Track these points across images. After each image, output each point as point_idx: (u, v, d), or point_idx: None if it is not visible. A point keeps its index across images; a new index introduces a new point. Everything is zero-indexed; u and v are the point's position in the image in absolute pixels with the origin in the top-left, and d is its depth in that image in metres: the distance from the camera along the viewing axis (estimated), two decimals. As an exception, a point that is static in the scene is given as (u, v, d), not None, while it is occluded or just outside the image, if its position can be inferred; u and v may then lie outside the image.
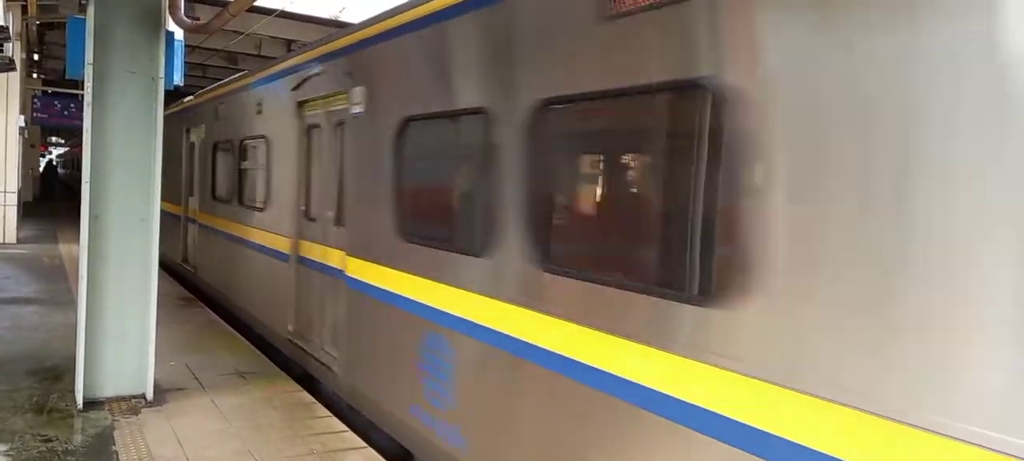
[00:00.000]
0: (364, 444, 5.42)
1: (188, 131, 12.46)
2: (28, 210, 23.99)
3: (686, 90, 3.10)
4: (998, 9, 2.14)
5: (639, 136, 3.71)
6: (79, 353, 5.83)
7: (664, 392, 3.07)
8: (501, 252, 4.13)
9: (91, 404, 5.85)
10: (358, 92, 5.87)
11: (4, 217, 16.89)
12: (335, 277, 6.34)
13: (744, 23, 2.84)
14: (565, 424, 3.69)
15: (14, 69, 14.78)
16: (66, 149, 59.59)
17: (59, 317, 8.97)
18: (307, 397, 6.43)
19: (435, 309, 4.76)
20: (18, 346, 7.63)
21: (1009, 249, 2.11)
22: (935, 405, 2.20)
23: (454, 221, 5.05)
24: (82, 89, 5.85)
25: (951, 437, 2.14)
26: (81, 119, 5.89)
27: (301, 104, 7.22)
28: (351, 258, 5.98)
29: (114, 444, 5.15)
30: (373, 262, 5.62)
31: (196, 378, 6.82)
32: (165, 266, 13.29)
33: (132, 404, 5.95)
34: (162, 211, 13.69)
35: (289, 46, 18.96)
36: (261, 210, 8.50)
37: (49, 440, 5.17)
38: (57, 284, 11.57)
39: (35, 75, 24.38)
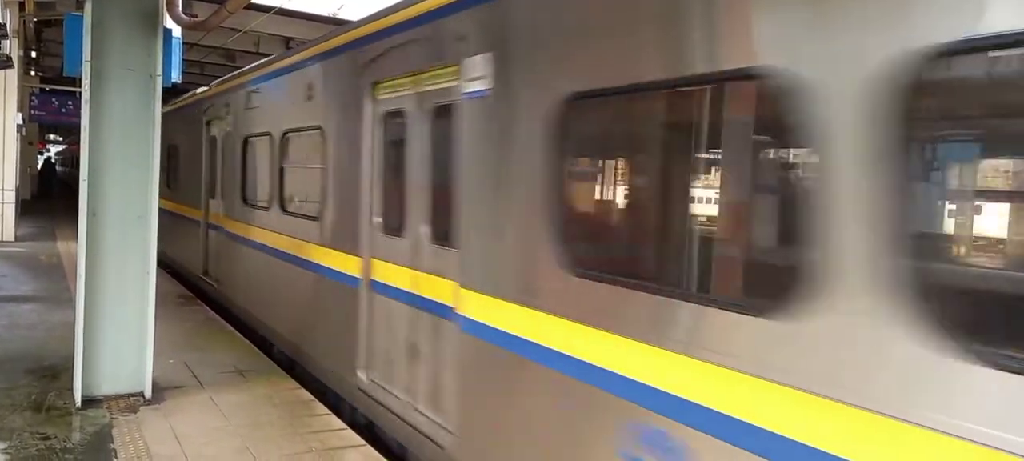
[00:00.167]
0: (363, 442, 5.41)
1: (209, 124, 10.90)
2: (26, 208, 23.96)
3: None
4: None
5: None
6: (77, 351, 5.82)
7: None
8: (824, 308, 2.47)
9: (89, 402, 5.84)
10: (479, 63, 4.33)
11: (2, 215, 16.86)
12: (437, 314, 4.88)
13: None
14: None
15: (12, 66, 14.74)
16: (64, 146, 59.53)
17: (57, 315, 8.96)
18: (306, 395, 6.43)
19: (656, 391, 3.08)
20: (16, 344, 7.62)
21: None
22: None
23: (695, 254, 3.34)
24: (80, 86, 5.84)
25: None
26: (79, 117, 5.88)
27: (375, 85, 5.72)
28: (469, 293, 4.43)
29: (112, 442, 5.15)
30: (516, 303, 4.01)
31: (195, 376, 6.82)
32: (180, 277, 12.46)
33: (130, 402, 5.94)
34: (177, 216, 12.47)
35: (287, 43, 18.94)
36: (314, 219, 6.84)
37: (47, 438, 5.16)
38: (55, 282, 11.56)
39: (33, 72, 24.33)
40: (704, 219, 3.41)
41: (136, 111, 5.96)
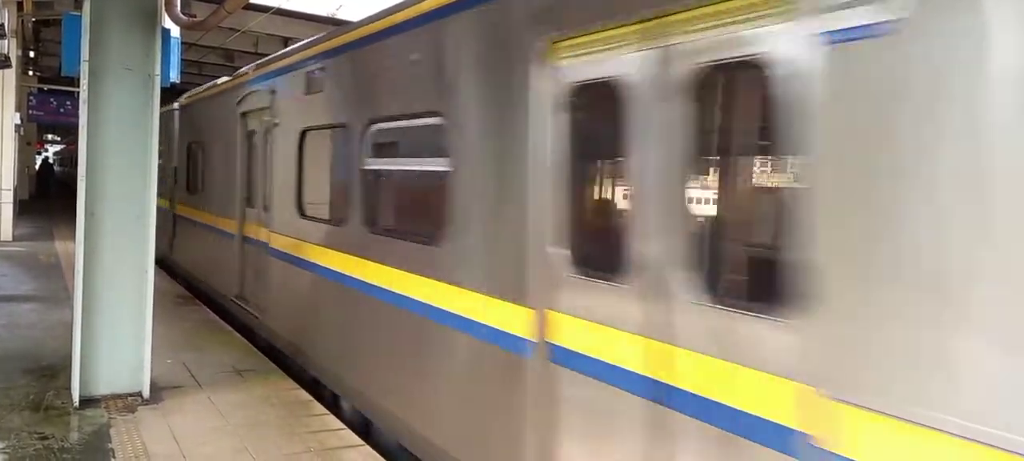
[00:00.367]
0: (362, 442, 5.41)
1: (246, 117, 8.95)
2: (24, 208, 23.94)
3: None
4: None
5: None
6: (75, 351, 5.82)
7: None
8: None
9: (87, 402, 5.84)
10: None
11: (0, 215, 16.84)
12: (731, 431, 2.82)
13: None
14: None
15: (10, 66, 14.73)
16: (62, 146, 59.47)
17: (55, 315, 8.95)
18: (305, 395, 6.43)
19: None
20: (14, 344, 7.62)
21: None
22: None
23: None
24: (78, 86, 5.84)
25: None
26: (77, 116, 5.87)
27: (554, 44, 3.74)
28: (857, 417, 2.38)
29: (110, 442, 5.14)
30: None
31: (193, 376, 6.81)
32: (205, 297, 10.72)
33: (129, 402, 5.94)
34: (203, 226, 10.86)
35: (285, 43, 18.95)
36: (428, 244, 4.84)
37: (45, 438, 5.16)
38: (53, 282, 11.55)
39: (31, 72, 24.30)
40: None
41: (134, 111, 5.95)
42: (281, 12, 16.63)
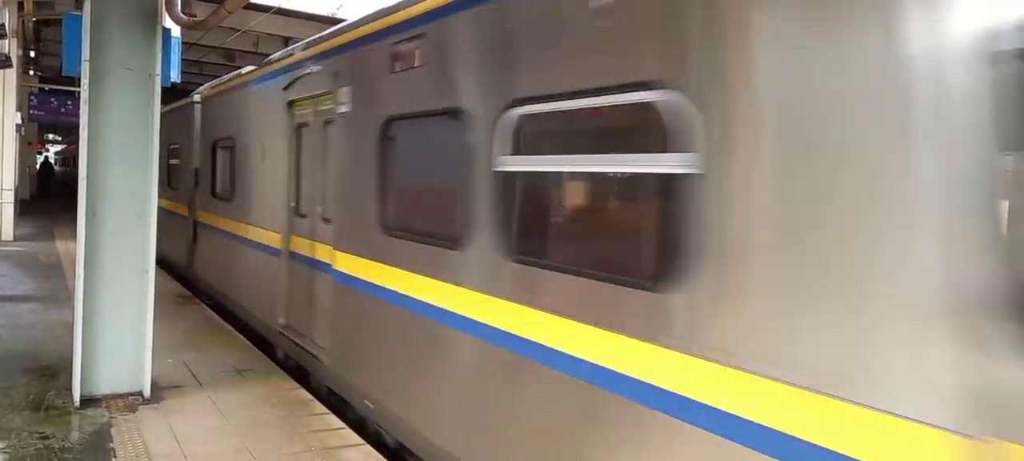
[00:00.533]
0: (362, 441, 5.41)
1: (293, 107, 7.31)
2: (25, 207, 23.96)
3: None
4: None
5: None
6: (76, 350, 5.82)
7: None
8: None
9: (88, 401, 5.84)
10: None
11: (1, 215, 16.85)
12: None
13: None
14: None
15: (10, 66, 14.73)
16: (63, 146, 59.52)
17: (56, 314, 8.96)
18: (305, 394, 6.43)
19: None
20: (15, 344, 7.62)
21: None
22: None
23: None
24: (79, 86, 5.84)
25: None
26: (78, 116, 5.88)
27: None
28: None
29: (111, 441, 5.14)
30: None
31: (194, 376, 6.82)
32: (242, 325, 8.92)
33: (129, 401, 5.94)
34: (234, 238, 9.25)
35: (286, 43, 18.96)
36: (645, 285, 3.22)
37: (46, 437, 5.16)
38: (54, 281, 11.55)
39: (32, 72, 24.33)
40: None
41: (135, 111, 5.95)
42: (282, 12, 16.65)
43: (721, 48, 2.91)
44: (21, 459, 4.81)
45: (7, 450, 4.91)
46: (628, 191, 3.75)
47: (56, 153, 62.83)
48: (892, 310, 2.32)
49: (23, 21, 16.51)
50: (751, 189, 2.78)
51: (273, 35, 19.36)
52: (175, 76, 7.79)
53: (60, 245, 16.29)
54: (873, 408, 2.32)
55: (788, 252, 2.63)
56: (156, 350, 6.18)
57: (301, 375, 7.08)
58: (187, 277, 12.21)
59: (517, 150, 4.04)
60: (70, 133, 44.48)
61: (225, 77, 11.10)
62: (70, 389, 5.92)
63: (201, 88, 12.39)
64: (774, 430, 2.61)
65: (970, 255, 2.20)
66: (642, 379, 3.14)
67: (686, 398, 2.94)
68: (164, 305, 9.11)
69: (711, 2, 2.97)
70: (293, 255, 7.34)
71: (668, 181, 3.11)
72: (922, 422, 2.20)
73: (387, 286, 5.34)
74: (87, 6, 5.72)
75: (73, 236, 6.30)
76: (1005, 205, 2.24)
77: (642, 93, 3.23)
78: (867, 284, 2.39)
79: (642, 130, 3.47)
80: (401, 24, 5.26)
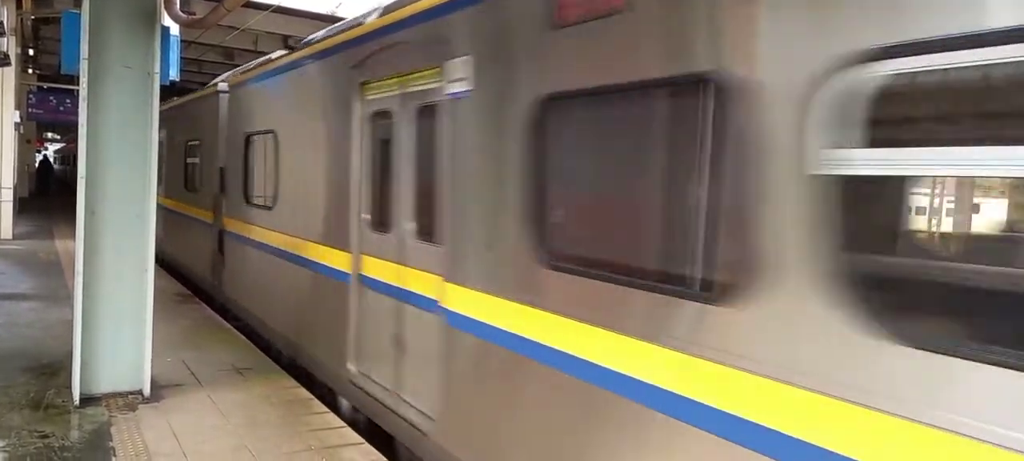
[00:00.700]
0: (362, 440, 5.41)
1: (367, 89, 5.76)
2: (24, 206, 23.94)
3: None
4: None
5: None
6: (76, 349, 5.81)
7: None
8: None
9: (88, 400, 5.83)
10: None
11: (0, 213, 16.84)
12: None
13: None
14: None
15: (9, 64, 14.72)
16: (62, 145, 59.48)
17: (55, 313, 8.95)
18: (305, 393, 6.43)
19: None
20: (14, 342, 7.61)
21: None
22: None
23: None
24: (78, 84, 5.83)
25: None
26: (77, 115, 5.87)
27: None
28: None
29: (111, 440, 5.14)
30: None
31: (193, 374, 6.81)
32: (286, 363, 7.39)
33: (129, 400, 5.93)
34: (271, 250, 7.54)
35: (285, 41, 18.94)
36: None
37: (46, 436, 5.16)
38: (53, 280, 11.54)
39: (30, 70, 24.33)
40: None
41: (134, 109, 5.94)
42: (280, 10, 16.64)
43: None
44: (21, 458, 4.81)
45: (7, 449, 4.91)
46: None
47: (55, 151, 62.79)
48: None
49: (22, 19, 16.49)
50: None
51: (272, 33, 19.33)
52: (174, 74, 7.76)
53: (59, 244, 16.28)
54: None
55: None
56: (156, 349, 6.18)
57: (298, 373, 7.08)
58: (210, 293, 10.62)
59: (877, 139, 2.41)
60: (69, 131, 44.44)
61: (261, 60, 9.36)
62: (70, 388, 5.91)
63: (227, 74, 10.92)
64: None
65: None
66: None
67: None
68: (164, 304, 9.10)
69: None
70: (368, 281, 5.69)
71: None
72: None
73: (566, 351, 3.55)
74: (86, 4, 5.70)
75: (72, 235, 6.29)
76: None
77: None
78: None
79: None
80: None
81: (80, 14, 5.82)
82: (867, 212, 2.58)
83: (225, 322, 9.16)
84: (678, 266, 3.08)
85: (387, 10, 5.63)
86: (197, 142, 11.64)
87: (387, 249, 5.46)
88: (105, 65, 5.82)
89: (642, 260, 3.31)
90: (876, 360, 2.29)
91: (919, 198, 2.58)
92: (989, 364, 2.08)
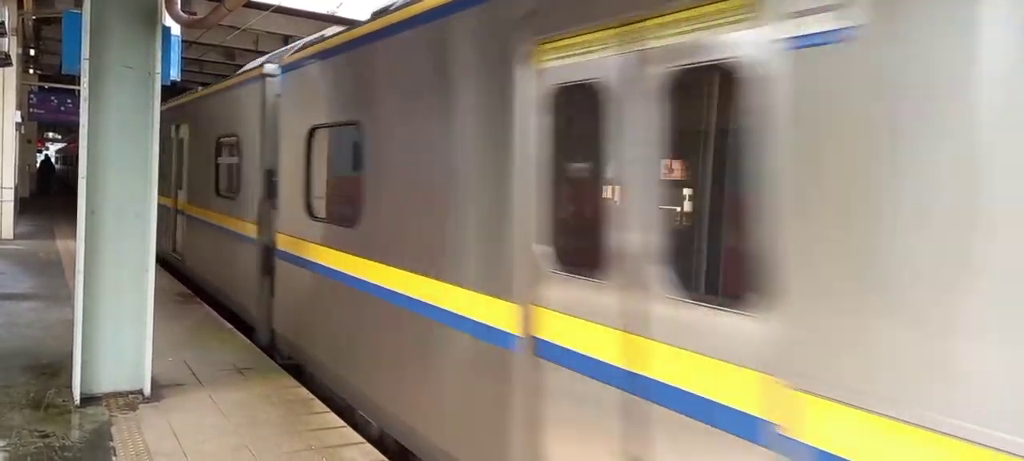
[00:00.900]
0: (362, 439, 5.41)
1: (543, 51, 3.79)
2: (25, 206, 23.96)
3: None
4: None
5: None
6: (76, 349, 5.82)
7: None
8: None
9: (88, 400, 5.83)
10: None
11: (0, 213, 16.85)
12: None
13: None
14: None
15: (10, 64, 14.73)
16: (63, 145, 59.52)
17: (56, 313, 8.95)
18: (305, 393, 6.43)
19: None
20: (14, 342, 7.61)
21: None
22: None
23: None
24: (79, 84, 5.84)
25: None
26: (78, 115, 5.88)
27: None
28: None
29: (111, 439, 5.14)
30: None
31: (194, 374, 6.81)
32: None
33: (130, 400, 5.93)
34: (361, 287, 5.51)
35: (286, 41, 18.97)
36: None
37: (46, 436, 5.16)
38: (54, 279, 11.55)
39: (32, 70, 24.33)
40: None
41: (135, 109, 5.94)
42: (281, 9, 16.65)
43: None
44: (21, 457, 4.81)
45: (7, 448, 4.91)
46: None
47: (57, 151, 62.84)
48: None
49: (23, 19, 16.49)
50: None
51: (273, 33, 19.35)
52: (175, 74, 7.74)
53: (60, 243, 16.29)
54: None
55: None
56: (156, 348, 6.18)
57: (300, 373, 7.07)
58: (250, 324, 8.56)
59: None
60: (70, 132, 44.48)
61: (324, 33, 7.57)
62: (70, 387, 5.91)
63: (272, 54, 9.28)
64: None
65: None
66: None
67: None
68: (164, 303, 9.10)
69: None
70: (552, 351, 3.71)
71: None
72: None
73: None
74: (87, 4, 5.71)
75: (73, 234, 6.29)
76: None
77: None
78: None
79: None
80: None
81: (81, 14, 5.83)
82: None
83: (226, 322, 9.15)
84: None
85: None
86: (233, 138, 9.63)
87: (595, 304, 3.45)
88: (106, 65, 5.83)
89: None
90: None
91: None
92: None
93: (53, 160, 53.13)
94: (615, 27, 3.34)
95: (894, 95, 2.27)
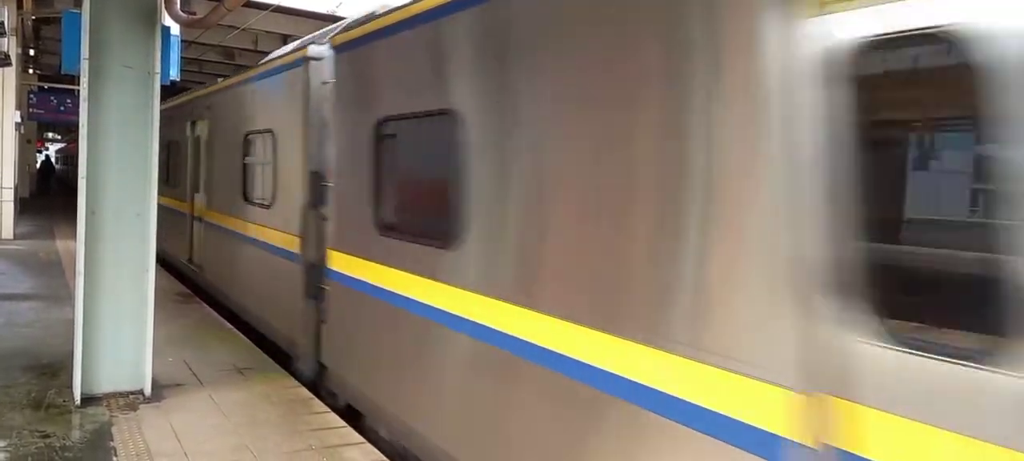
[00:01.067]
0: (362, 439, 5.42)
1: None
2: (25, 206, 23.95)
3: None
4: None
5: None
6: (76, 349, 5.82)
7: None
8: None
9: (89, 400, 5.83)
10: None
11: (0, 213, 16.84)
12: None
13: None
14: None
15: (10, 64, 14.73)
16: (63, 145, 59.53)
17: (56, 313, 8.95)
18: (305, 393, 6.43)
19: None
20: (15, 342, 7.61)
21: None
22: None
23: None
24: (78, 84, 5.84)
25: None
26: (77, 115, 5.88)
27: None
28: None
29: (112, 440, 5.14)
30: None
31: (194, 374, 6.81)
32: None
33: (130, 400, 5.94)
34: (472, 332, 4.00)
35: (285, 41, 18.97)
36: None
37: (47, 436, 5.16)
38: (54, 279, 11.55)
39: (31, 71, 24.34)
40: None
41: (134, 109, 5.94)
42: (280, 9, 16.64)
43: None
44: (22, 458, 4.81)
45: (8, 449, 4.92)
46: None
47: (57, 151, 62.83)
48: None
49: (22, 19, 16.49)
50: None
51: (272, 33, 19.35)
52: (174, 74, 7.76)
53: (60, 244, 16.28)
54: None
55: None
56: (156, 348, 6.18)
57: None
58: (292, 356, 7.20)
59: None
60: (70, 131, 44.48)
61: (376, 11, 6.08)
62: (70, 387, 5.91)
63: (317, 33, 7.86)
64: None
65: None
66: None
67: None
68: (164, 303, 9.10)
69: None
70: None
71: None
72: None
73: None
74: (86, 4, 5.71)
75: (73, 235, 6.30)
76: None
77: None
78: None
79: None
80: None
81: (80, 14, 5.82)
82: None
83: (226, 322, 9.15)
84: None
85: None
86: (268, 132, 8.12)
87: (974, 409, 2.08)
88: (106, 65, 5.83)
89: None
90: None
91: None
92: None
93: (53, 160, 53.11)
94: None
95: None
